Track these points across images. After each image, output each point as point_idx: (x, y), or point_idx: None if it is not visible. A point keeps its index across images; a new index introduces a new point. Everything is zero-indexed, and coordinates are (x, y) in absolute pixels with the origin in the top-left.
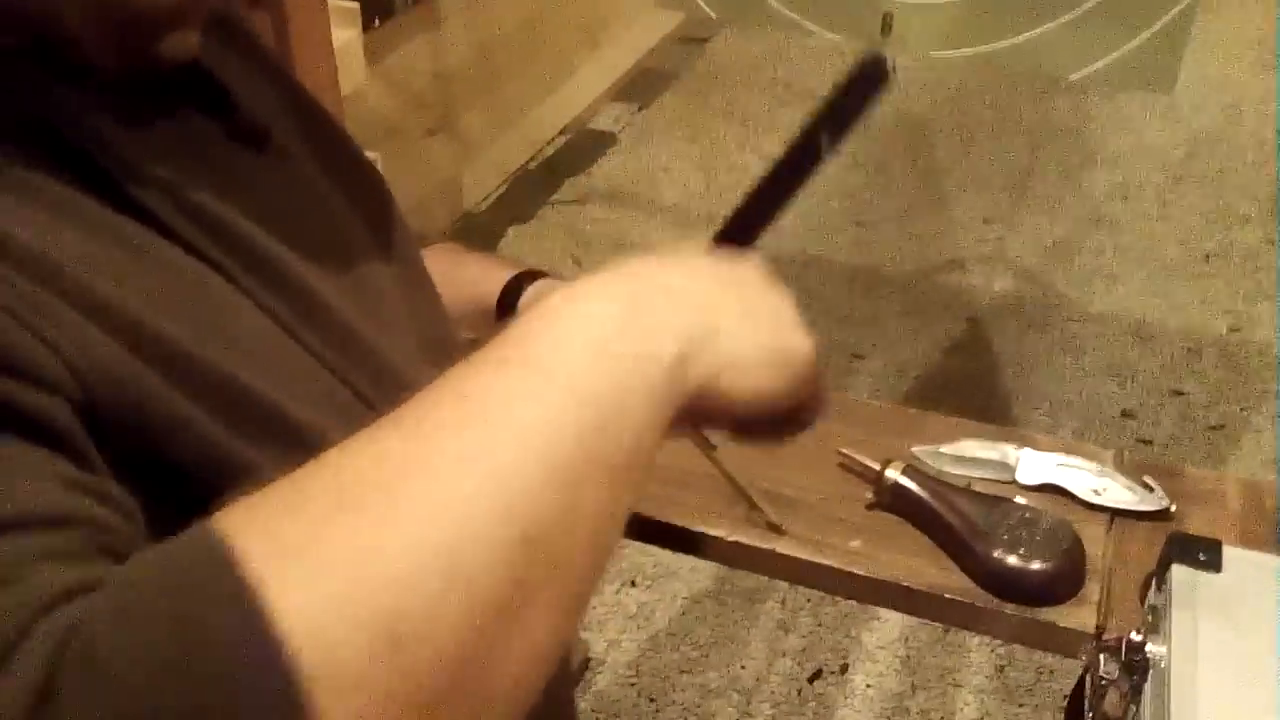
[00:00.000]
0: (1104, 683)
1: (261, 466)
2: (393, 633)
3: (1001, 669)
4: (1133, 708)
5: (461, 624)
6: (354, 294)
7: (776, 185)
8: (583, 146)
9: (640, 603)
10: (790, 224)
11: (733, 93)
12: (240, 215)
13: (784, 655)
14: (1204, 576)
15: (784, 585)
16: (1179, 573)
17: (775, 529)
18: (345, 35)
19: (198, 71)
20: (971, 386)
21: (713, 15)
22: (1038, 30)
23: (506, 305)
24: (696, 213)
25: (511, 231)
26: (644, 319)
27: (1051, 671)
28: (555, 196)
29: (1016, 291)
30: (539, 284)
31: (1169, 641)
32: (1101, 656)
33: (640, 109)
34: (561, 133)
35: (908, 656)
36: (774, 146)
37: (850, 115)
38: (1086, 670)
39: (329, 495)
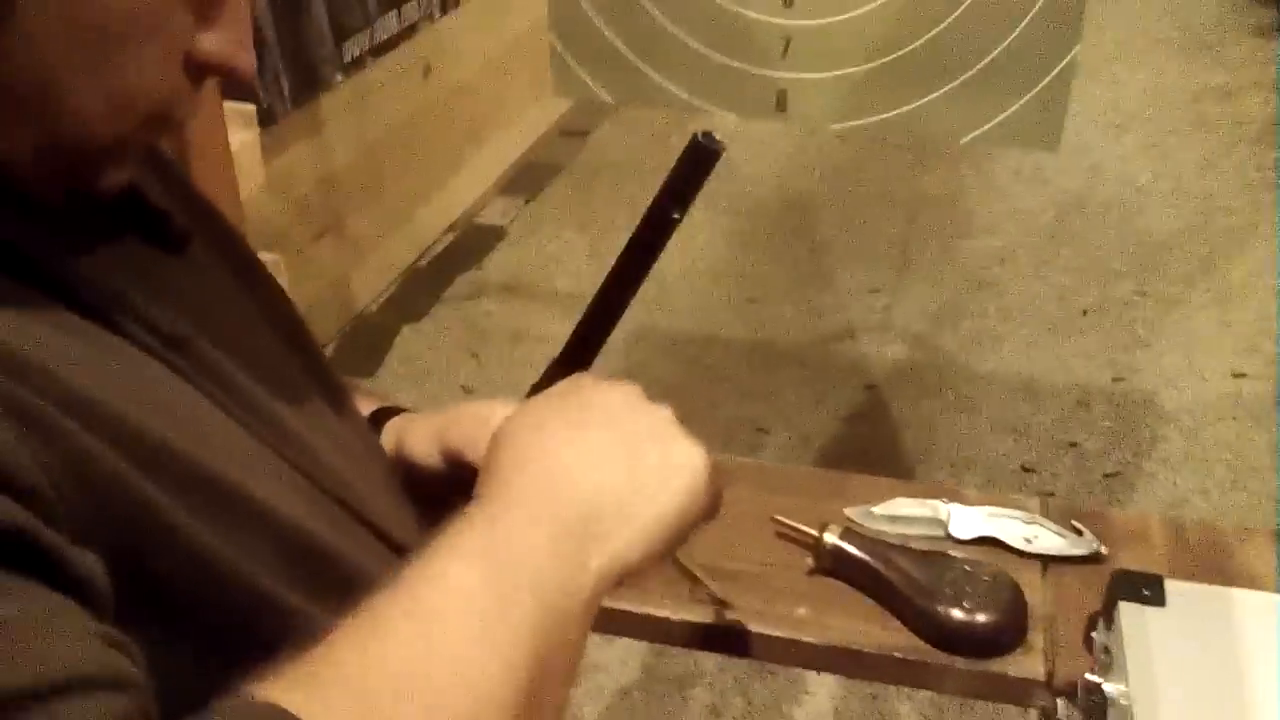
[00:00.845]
0: None
1: (239, 560)
2: None
3: None
4: None
5: None
6: (282, 393)
7: (635, 261)
8: (472, 242)
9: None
10: (686, 304)
11: (618, 181)
12: (177, 318)
13: None
14: (1151, 611)
15: (711, 669)
16: (1127, 610)
17: (721, 604)
18: (242, 137)
19: (133, 195)
20: (875, 452)
21: (608, 99)
22: (927, 98)
23: None
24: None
25: (406, 330)
26: (570, 553)
27: None
28: (448, 293)
29: (909, 357)
30: (396, 420)
31: (1126, 679)
32: (1059, 701)
33: (528, 201)
34: (450, 229)
35: None
36: None
37: (691, 189)
38: (1044, 718)
39: (368, 684)
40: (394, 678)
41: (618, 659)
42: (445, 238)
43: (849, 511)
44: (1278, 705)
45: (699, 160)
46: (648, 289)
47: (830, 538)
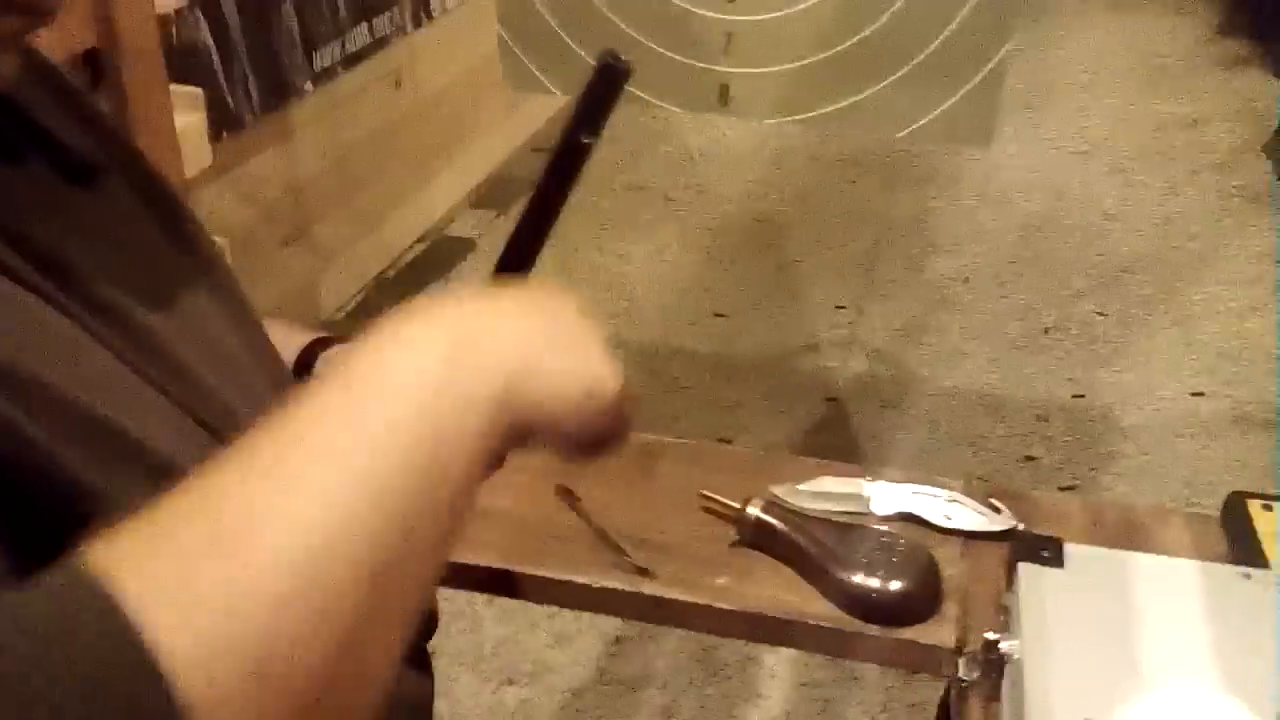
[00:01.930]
0: (964, 685)
1: (114, 495)
2: (263, 662)
3: None
4: (995, 706)
5: (321, 647)
6: (187, 331)
7: (549, 193)
8: (442, 253)
9: (521, 699)
10: (653, 317)
11: (587, 197)
12: (76, 253)
13: None
14: (1049, 572)
15: (664, 670)
16: (1025, 570)
17: (643, 572)
18: (187, 119)
19: (10, 109)
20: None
21: (555, 91)
22: (864, 93)
23: (301, 370)
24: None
25: None
26: (465, 363)
27: None
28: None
29: (870, 371)
30: (334, 350)
31: (1021, 635)
32: (960, 661)
33: (499, 215)
34: (420, 240)
35: None
36: (630, 246)
37: (602, 112)
38: (949, 682)
39: (195, 535)
40: (206, 526)
41: (570, 659)
42: (415, 248)
43: (775, 489)
44: (1161, 660)
45: (608, 82)
46: (616, 300)
47: (753, 510)
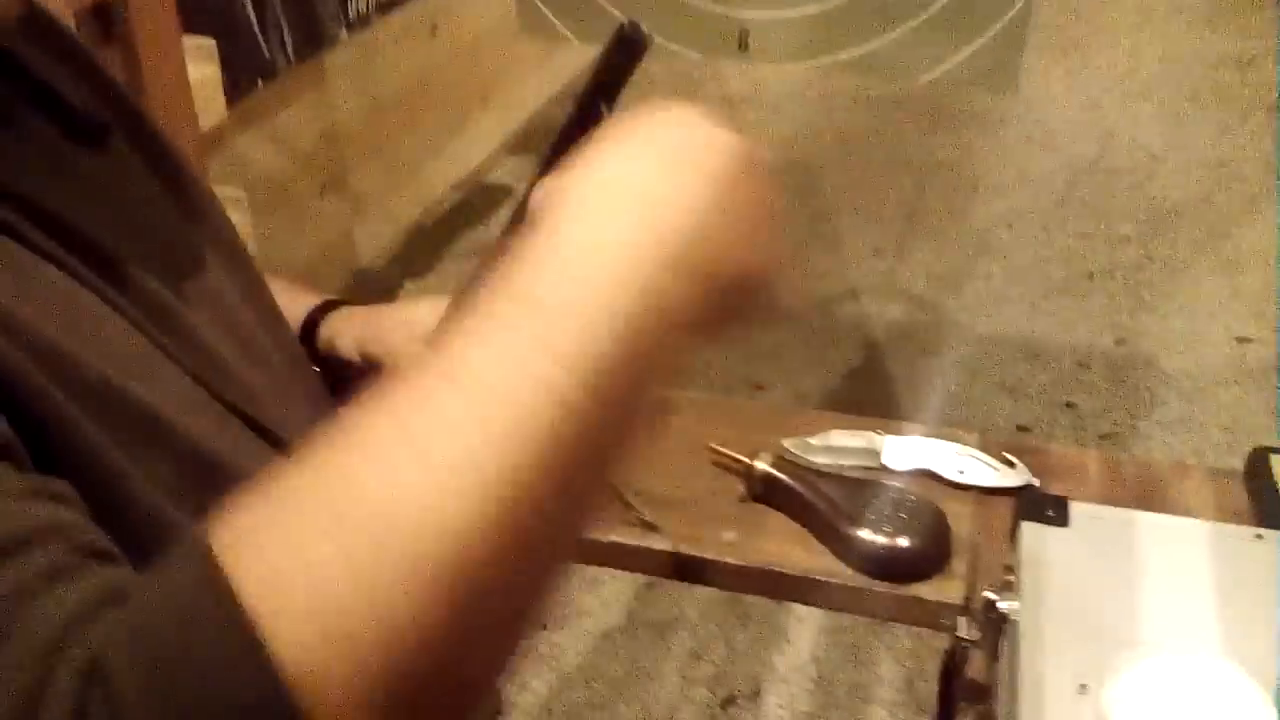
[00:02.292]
0: (965, 645)
1: (140, 478)
2: (384, 658)
3: (911, 682)
4: (995, 665)
5: (449, 643)
6: (204, 306)
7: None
8: (479, 200)
9: (552, 643)
10: None
11: None
12: (87, 219)
13: (697, 684)
14: (1052, 531)
15: (694, 615)
16: (1028, 529)
17: (650, 527)
18: (203, 71)
19: (11, 64)
20: (870, 411)
21: (571, 37)
22: (887, 37)
23: (306, 336)
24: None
25: (409, 285)
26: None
27: None
28: (452, 250)
29: (910, 318)
30: (338, 313)
31: (1020, 596)
32: (961, 619)
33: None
34: (457, 188)
35: (819, 677)
36: None
37: (618, 81)
38: (952, 639)
39: (317, 521)
40: (331, 511)
41: (601, 603)
42: (452, 196)
43: (786, 442)
44: (1162, 623)
45: (625, 51)
46: None
47: (761, 465)
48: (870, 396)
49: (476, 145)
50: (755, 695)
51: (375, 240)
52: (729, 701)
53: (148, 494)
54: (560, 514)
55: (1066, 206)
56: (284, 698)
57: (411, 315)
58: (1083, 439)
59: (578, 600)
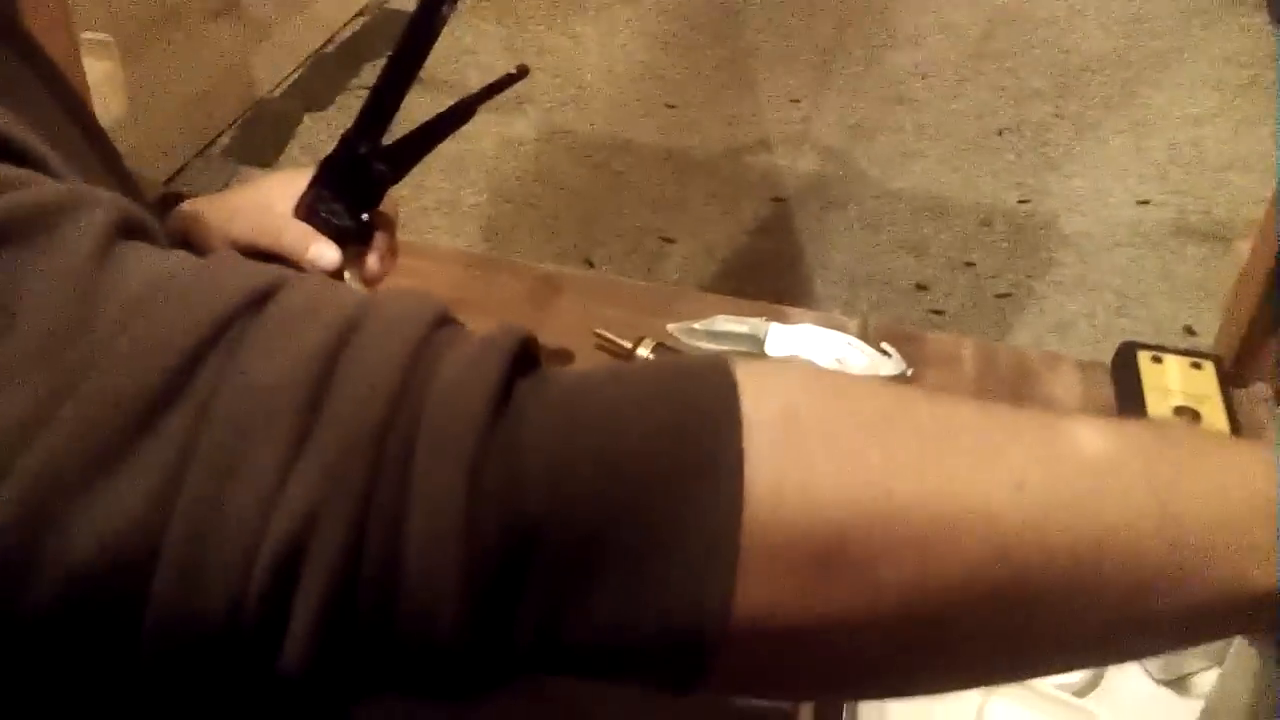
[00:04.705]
0: None
1: None
2: (846, 581)
3: None
4: None
5: (909, 620)
6: None
7: (406, 59)
8: (382, 28)
9: None
10: (601, 107)
11: None
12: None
13: None
14: None
15: None
16: None
17: None
18: None
19: None
20: (776, 266)
21: None
22: None
23: None
24: (504, 96)
25: (308, 118)
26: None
27: None
28: (354, 81)
29: (820, 171)
30: (180, 209)
31: None
32: None
33: None
34: (359, 14)
35: None
36: (583, 26)
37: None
38: None
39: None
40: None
41: None
42: (355, 22)
43: (671, 327)
44: None
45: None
46: (563, 88)
47: (643, 351)
48: (776, 251)
49: None
50: None
51: (272, 69)
52: None
53: None
54: (1096, 609)
55: (983, 58)
56: (729, 554)
57: (264, 196)
58: (979, 298)
59: None
